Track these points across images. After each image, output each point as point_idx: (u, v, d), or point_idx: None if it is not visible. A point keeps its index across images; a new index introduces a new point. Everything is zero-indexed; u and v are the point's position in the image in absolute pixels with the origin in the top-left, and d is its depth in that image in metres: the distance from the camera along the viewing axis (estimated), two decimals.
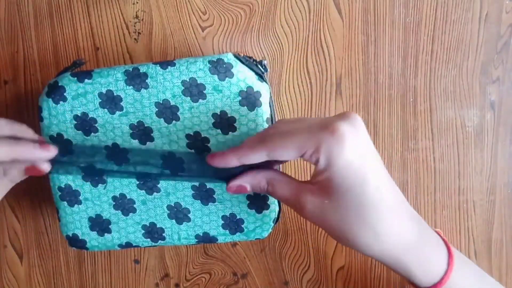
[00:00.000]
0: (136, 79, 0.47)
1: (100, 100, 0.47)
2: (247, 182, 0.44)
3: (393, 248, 0.39)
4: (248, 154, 0.41)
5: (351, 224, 0.38)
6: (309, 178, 0.53)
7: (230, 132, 0.47)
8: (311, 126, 0.38)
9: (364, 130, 0.38)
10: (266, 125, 0.47)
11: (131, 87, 0.47)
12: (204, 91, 0.46)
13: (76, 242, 0.51)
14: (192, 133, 0.47)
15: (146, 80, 0.47)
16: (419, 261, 0.39)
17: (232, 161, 0.42)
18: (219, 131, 0.47)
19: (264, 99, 0.47)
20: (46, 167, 0.46)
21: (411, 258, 0.39)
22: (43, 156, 0.45)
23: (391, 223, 0.38)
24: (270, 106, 0.48)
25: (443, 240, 0.42)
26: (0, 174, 0.45)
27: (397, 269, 0.40)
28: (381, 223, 0.38)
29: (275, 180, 0.42)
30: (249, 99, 0.46)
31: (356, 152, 0.37)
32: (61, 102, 0.48)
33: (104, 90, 0.47)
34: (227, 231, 0.50)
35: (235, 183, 0.44)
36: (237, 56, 0.47)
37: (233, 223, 0.49)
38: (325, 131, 0.37)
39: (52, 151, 0.45)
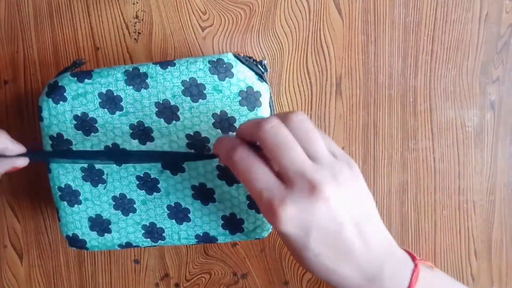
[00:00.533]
0: (136, 79, 0.47)
1: (100, 100, 0.47)
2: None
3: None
4: (220, 156, 0.42)
5: (300, 260, 0.41)
6: None
7: (230, 132, 0.47)
8: (264, 190, 0.38)
9: (322, 212, 0.37)
10: None
11: (131, 87, 0.47)
12: (204, 91, 0.46)
13: (76, 242, 0.51)
14: (192, 133, 0.47)
15: (146, 80, 0.47)
16: None
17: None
18: (219, 131, 0.47)
19: (264, 99, 0.47)
20: (23, 163, 0.47)
21: None
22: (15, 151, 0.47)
23: (336, 278, 0.40)
24: (270, 106, 0.48)
25: (412, 276, 0.41)
26: None
27: None
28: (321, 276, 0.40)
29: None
30: (249, 99, 0.47)
31: (297, 230, 0.38)
32: (61, 102, 0.48)
33: (104, 90, 0.47)
34: (227, 231, 0.50)
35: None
36: (237, 56, 0.47)
37: (233, 223, 0.49)
38: (270, 211, 0.38)
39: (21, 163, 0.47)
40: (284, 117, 0.39)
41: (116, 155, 0.48)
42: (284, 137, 0.38)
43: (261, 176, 0.38)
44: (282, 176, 0.38)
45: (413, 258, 0.42)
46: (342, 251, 0.39)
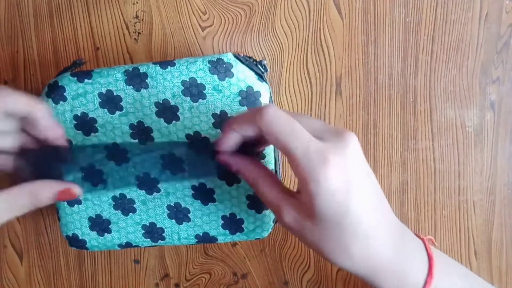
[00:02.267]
0: (136, 79, 0.47)
1: (100, 100, 0.47)
2: (237, 164, 0.43)
3: (365, 267, 0.39)
4: (245, 127, 0.40)
5: (326, 243, 0.38)
6: None
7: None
8: (309, 144, 0.37)
9: (355, 156, 0.38)
10: None
11: (131, 87, 0.47)
12: (204, 91, 0.46)
13: (76, 242, 0.51)
14: (192, 133, 0.47)
15: (146, 80, 0.47)
16: (393, 278, 0.40)
17: (231, 134, 0.41)
18: (219, 131, 0.47)
19: (264, 99, 0.47)
20: (78, 191, 0.46)
21: (385, 275, 0.39)
22: (56, 133, 0.45)
23: (366, 246, 0.38)
24: None
25: (428, 252, 0.42)
26: (33, 196, 0.43)
27: (370, 283, 0.41)
28: (356, 250, 0.38)
29: (260, 179, 0.42)
30: (249, 99, 0.47)
31: (342, 183, 0.37)
32: (61, 102, 0.48)
33: (104, 90, 0.47)
34: (227, 231, 0.50)
35: (227, 158, 0.43)
36: (237, 56, 0.47)
37: (233, 223, 0.49)
38: (318, 160, 0.37)
39: (77, 192, 0.46)
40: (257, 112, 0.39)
41: (116, 155, 0.48)
42: (285, 116, 0.38)
43: (303, 131, 0.38)
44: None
45: (417, 236, 0.43)
46: (378, 215, 0.39)
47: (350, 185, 0.37)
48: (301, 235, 0.39)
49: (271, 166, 0.48)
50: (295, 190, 0.42)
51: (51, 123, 0.45)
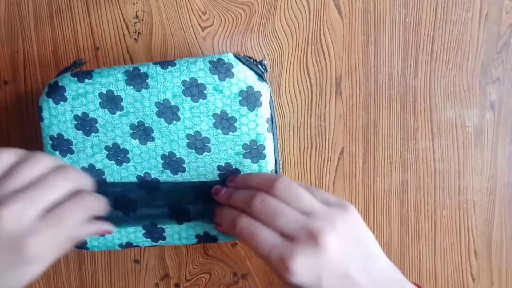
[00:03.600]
0: (137, 79, 0.47)
1: (101, 100, 0.47)
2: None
3: None
4: (223, 226, 0.46)
5: None
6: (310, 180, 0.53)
7: (230, 132, 0.47)
8: (271, 252, 0.40)
9: (329, 256, 0.40)
10: (266, 125, 0.47)
11: (131, 87, 0.47)
12: (205, 91, 0.46)
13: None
14: (192, 133, 0.47)
15: (147, 80, 0.47)
16: None
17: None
18: (219, 131, 0.47)
19: (264, 99, 0.47)
20: (112, 228, 0.48)
21: None
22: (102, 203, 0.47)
23: None
24: (270, 106, 0.48)
25: None
26: (68, 241, 0.43)
27: None
28: None
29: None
30: (250, 99, 0.47)
31: (310, 279, 0.40)
32: (61, 102, 0.48)
33: (104, 90, 0.47)
34: None
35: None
36: (237, 56, 0.47)
37: None
38: (281, 266, 0.40)
39: (111, 230, 0.48)
40: (269, 187, 0.43)
41: (117, 155, 0.48)
42: (274, 205, 0.42)
43: (267, 237, 0.41)
44: (285, 236, 0.41)
45: (418, 286, 0.44)
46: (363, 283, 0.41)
47: (320, 278, 0.40)
48: None
49: (271, 167, 0.48)
50: None
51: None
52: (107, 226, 0.47)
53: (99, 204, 0.45)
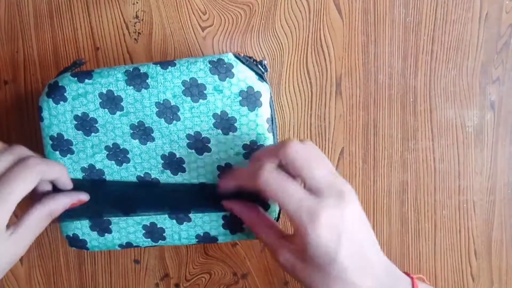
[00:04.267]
0: (137, 79, 0.47)
1: (101, 100, 0.47)
2: (239, 211, 0.47)
3: None
4: (244, 183, 0.45)
5: (315, 284, 0.41)
6: None
7: (230, 132, 0.47)
8: (301, 203, 0.40)
9: (350, 215, 0.40)
10: (266, 125, 0.47)
11: (131, 87, 0.47)
12: (205, 91, 0.46)
13: (76, 242, 0.51)
14: (192, 133, 0.47)
15: (147, 80, 0.47)
16: None
17: (231, 185, 0.46)
18: (219, 131, 0.47)
19: (265, 99, 0.47)
20: (86, 197, 0.49)
21: None
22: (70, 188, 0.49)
23: None
24: (270, 106, 0.48)
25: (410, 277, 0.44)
26: (48, 217, 0.47)
27: None
28: None
29: (258, 226, 0.46)
30: (250, 99, 0.46)
31: (332, 237, 0.39)
32: (61, 102, 0.48)
33: (104, 90, 0.47)
34: (228, 231, 0.50)
35: (231, 204, 0.48)
36: (237, 56, 0.47)
37: (233, 223, 0.49)
38: (307, 218, 0.39)
39: (85, 199, 0.49)
40: (274, 155, 0.42)
41: (117, 155, 0.48)
42: (303, 155, 0.41)
43: (295, 189, 0.41)
44: (310, 190, 0.41)
45: (408, 275, 0.45)
46: (366, 264, 0.41)
47: (340, 240, 0.39)
48: (293, 273, 0.43)
49: None
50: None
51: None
52: (81, 196, 0.49)
53: (51, 168, 0.46)
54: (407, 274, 0.45)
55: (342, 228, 0.39)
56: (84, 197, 0.49)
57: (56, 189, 0.48)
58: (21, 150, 0.46)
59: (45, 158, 0.48)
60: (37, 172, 0.43)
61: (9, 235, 0.43)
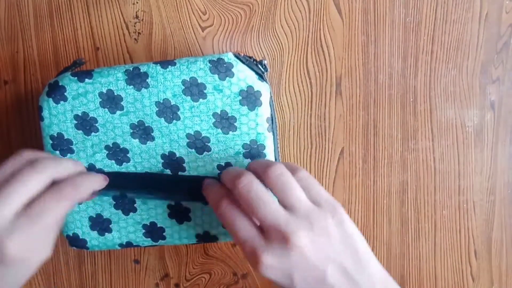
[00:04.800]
0: (137, 79, 0.47)
1: (101, 100, 0.47)
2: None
3: None
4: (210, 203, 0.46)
5: None
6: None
7: (230, 132, 0.47)
8: (245, 243, 0.41)
9: (299, 257, 0.39)
10: (266, 125, 0.47)
11: (131, 86, 0.47)
12: (205, 91, 0.46)
13: (76, 241, 0.51)
14: (192, 133, 0.47)
15: (147, 80, 0.47)
16: None
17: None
18: (219, 130, 0.47)
19: (265, 98, 0.47)
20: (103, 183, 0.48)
21: None
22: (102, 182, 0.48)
23: None
24: (270, 105, 0.48)
25: None
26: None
27: None
28: None
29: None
30: (250, 99, 0.47)
31: (281, 277, 0.40)
32: (61, 102, 0.48)
33: (104, 90, 0.47)
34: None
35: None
36: (237, 56, 0.47)
37: None
38: (252, 260, 0.40)
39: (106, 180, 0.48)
40: (262, 171, 0.42)
41: (117, 154, 0.48)
42: (256, 193, 0.41)
43: (243, 227, 0.41)
44: (262, 228, 0.41)
45: None
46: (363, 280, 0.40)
47: (292, 277, 0.39)
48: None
49: None
50: None
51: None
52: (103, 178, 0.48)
53: (83, 189, 0.44)
54: None
55: (291, 268, 0.39)
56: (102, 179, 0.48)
57: None
58: (32, 154, 0.44)
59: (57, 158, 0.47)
60: (45, 174, 0.42)
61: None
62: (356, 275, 0.40)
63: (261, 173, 0.42)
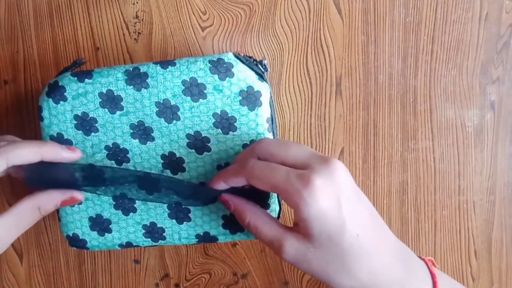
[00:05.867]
0: (137, 79, 0.47)
1: (101, 100, 0.47)
2: (234, 203, 0.45)
3: (373, 286, 0.40)
4: (232, 179, 0.43)
5: (332, 270, 0.39)
6: None
7: (230, 132, 0.47)
8: (289, 173, 0.39)
9: (342, 178, 0.39)
10: (266, 125, 0.47)
11: (131, 86, 0.47)
12: (205, 91, 0.46)
13: (76, 242, 0.51)
14: (192, 133, 0.47)
15: (147, 80, 0.47)
16: None
17: (221, 185, 0.44)
18: (219, 130, 0.47)
19: (265, 98, 0.47)
20: (81, 196, 0.48)
21: None
22: (69, 157, 0.46)
23: (371, 268, 0.39)
24: (270, 105, 0.48)
25: (430, 271, 0.43)
26: (36, 210, 0.46)
27: None
28: (360, 269, 0.39)
29: (258, 220, 0.43)
30: (250, 99, 0.46)
31: (331, 201, 0.38)
32: (61, 102, 0.48)
33: (104, 90, 0.47)
34: (228, 231, 0.50)
35: (226, 197, 0.45)
36: (237, 56, 0.47)
37: (233, 223, 0.49)
38: (300, 184, 0.38)
39: (78, 153, 0.47)
40: (249, 153, 0.43)
41: (117, 155, 0.48)
42: (264, 164, 0.41)
43: (282, 167, 0.40)
44: (295, 167, 0.40)
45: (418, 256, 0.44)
46: (378, 233, 0.40)
47: (341, 204, 0.38)
48: (306, 266, 0.40)
49: None
50: None
51: (63, 155, 0.46)
52: (75, 193, 0.47)
53: (19, 153, 0.44)
54: (418, 256, 0.44)
55: (339, 191, 0.38)
56: (78, 195, 0.48)
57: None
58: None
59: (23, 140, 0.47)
60: (1, 159, 0.42)
61: None
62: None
63: (251, 154, 0.42)
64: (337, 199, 0.38)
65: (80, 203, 0.50)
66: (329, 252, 0.39)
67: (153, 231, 0.50)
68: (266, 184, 0.40)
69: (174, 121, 0.47)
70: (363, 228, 0.38)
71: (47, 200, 0.46)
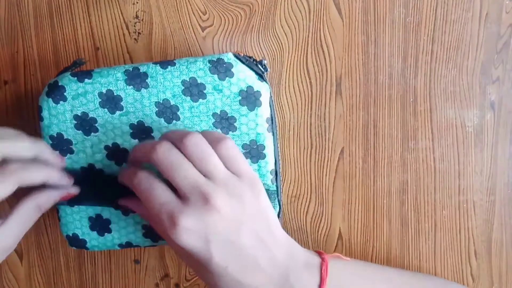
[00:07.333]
0: (136, 79, 0.47)
1: (100, 100, 0.47)
2: (129, 204, 0.48)
3: None
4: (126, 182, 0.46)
5: (210, 283, 0.43)
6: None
7: (230, 132, 0.47)
8: (162, 206, 0.41)
9: (215, 218, 0.40)
10: (266, 125, 0.47)
11: (131, 86, 0.47)
12: (204, 91, 0.46)
13: (76, 242, 0.51)
14: None
15: (146, 80, 0.47)
16: None
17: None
18: (219, 130, 0.47)
19: (264, 98, 0.47)
20: (76, 190, 0.49)
21: None
22: (68, 184, 0.48)
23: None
24: (270, 105, 0.48)
25: (321, 273, 0.45)
26: (37, 209, 0.47)
27: None
28: None
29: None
30: (249, 99, 0.47)
31: (197, 241, 0.40)
32: (61, 102, 0.48)
33: (104, 90, 0.47)
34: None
35: (122, 201, 0.48)
36: (237, 56, 0.47)
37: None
38: (167, 222, 0.40)
39: (72, 180, 0.49)
40: (178, 141, 0.42)
41: (116, 155, 0.48)
42: (175, 157, 0.41)
43: (160, 193, 0.41)
44: (179, 193, 0.41)
45: (320, 254, 0.46)
46: (247, 262, 0.41)
47: (209, 241, 0.40)
48: (196, 274, 0.46)
49: (271, 166, 0.48)
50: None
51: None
52: (71, 189, 0.48)
53: (31, 176, 0.45)
54: (319, 252, 0.46)
55: (209, 231, 0.40)
56: (73, 190, 0.48)
57: None
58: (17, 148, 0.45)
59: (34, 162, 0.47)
60: (13, 181, 0.43)
61: None
62: (266, 238, 0.42)
63: (177, 142, 0.42)
64: (204, 237, 0.40)
65: (77, 197, 0.50)
66: (207, 272, 0.42)
67: (153, 231, 0.50)
68: (144, 200, 0.42)
69: (174, 121, 0.47)
70: (234, 261, 0.41)
71: (46, 199, 0.47)
